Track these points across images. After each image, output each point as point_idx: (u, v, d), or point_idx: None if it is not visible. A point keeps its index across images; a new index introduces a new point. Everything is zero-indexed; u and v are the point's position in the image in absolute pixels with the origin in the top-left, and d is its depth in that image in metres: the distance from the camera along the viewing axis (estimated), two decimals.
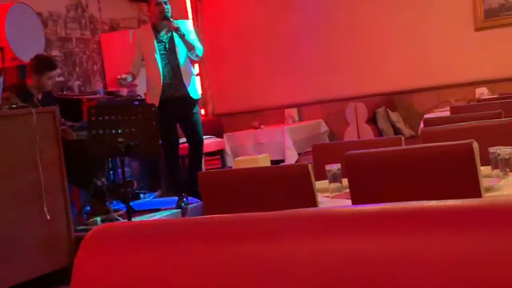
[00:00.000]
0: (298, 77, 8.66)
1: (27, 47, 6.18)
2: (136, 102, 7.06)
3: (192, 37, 6.26)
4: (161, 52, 6.22)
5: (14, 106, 4.62)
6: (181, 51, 6.22)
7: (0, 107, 4.49)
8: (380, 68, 8.21)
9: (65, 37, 7.47)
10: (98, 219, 5.75)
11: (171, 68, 6.23)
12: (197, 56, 6.28)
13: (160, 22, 6.18)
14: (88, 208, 5.93)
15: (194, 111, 6.38)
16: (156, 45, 6.20)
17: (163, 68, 6.21)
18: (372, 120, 7.74)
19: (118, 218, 5.82)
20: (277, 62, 8.78)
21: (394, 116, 7.87)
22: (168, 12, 6.11)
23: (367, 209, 0.97)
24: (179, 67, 6.22)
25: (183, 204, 6.33)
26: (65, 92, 7.18)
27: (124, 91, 7.25)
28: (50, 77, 5.57)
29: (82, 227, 5.62)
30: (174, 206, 6.36)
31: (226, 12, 9.09)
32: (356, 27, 8.33)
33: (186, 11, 9.27)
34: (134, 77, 6.31)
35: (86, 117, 5.33)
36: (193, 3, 9.24)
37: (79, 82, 7.56)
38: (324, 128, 8.40)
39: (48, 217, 4.51)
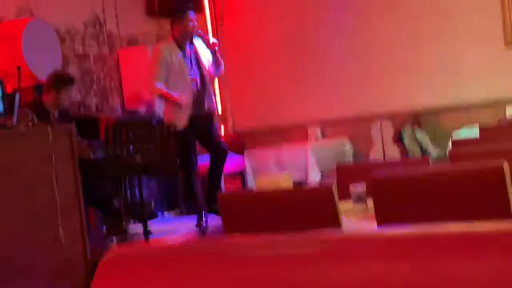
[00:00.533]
0: (321, 94, 8.54)
1: (43, 64, 6.12)
2: (154, 120, 6.96)
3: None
4: (190, 69, 6.22)
5: (30, 124, 4.54)
6: (210, 68, 6.31)
7: (16, 125, 4.40)
8: (406, 85, 8.06)
9: (83, 54, 7.40)
10: (115, 239, 5.67)
11: (197, 85, 6.24)
12: (220, 72, 6.46)
13: (187, 40, 6.21)
14: (104, 228, 5.82)
15: (215, 125, 6.51)
16: (184, 62, 6.19)
17: (192, 85, 6.21)
18: (398, 139, 7.59)
19: (135, 238, 5.71)
20: (299, 78, 8.67)
21: (421, 135, 7.71)
22: (197, 29, 6.27)
23: (392, 232, 0.97)
24: (205, 83, 6.29)
25: (203, 224, 6.18)
26: (82, 110, 7.09)
27: (142, 109, 7.17)
28: (66, 94, 5.53)
29: (98, 249, 5.52)
30: (192, 225, 6.23)
31: (247, 27, 9.00)
32: (382, 42, 8.20)
33: (206, 26, 9.19)
34: None
35: (103, 135, 5.22)
36: (213, 18, 9.16)
37: (96, 100, 7.48)
38: (348, 146, 8.28)
39: (64, 239, 4.41)
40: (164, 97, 6.22)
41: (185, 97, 6.11)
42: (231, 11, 9.09)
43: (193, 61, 6.24)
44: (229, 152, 7.60)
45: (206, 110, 6.27)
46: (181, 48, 6.24)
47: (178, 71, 6.18)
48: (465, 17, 7.80)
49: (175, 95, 6.08)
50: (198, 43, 6.32)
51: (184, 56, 6.22)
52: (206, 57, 6.26)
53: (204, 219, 6.24)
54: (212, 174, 6.44)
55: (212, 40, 6.20)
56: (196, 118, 6.19)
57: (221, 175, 6.52)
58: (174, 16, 6.39)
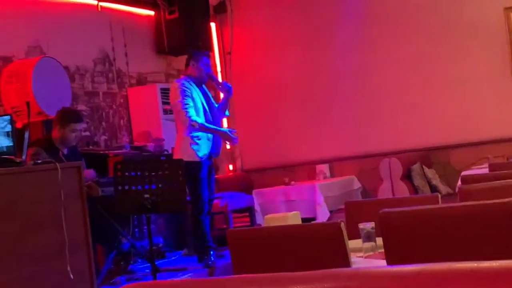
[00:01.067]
0: (329, 132, 8.54)
1: (53, 101, 6.14)
2: (163, 157, 6.96)
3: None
4: (204, 106, 6.25)
5: (39, 161, 4.53)
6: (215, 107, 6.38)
7: (26, 162, 4.39)
8: (415, 123, 8.06)
9: (92, 91, 7.43)
10: (122, 278, 5.62)
11: (212, 122, 6.27)
12: (227, 115, 6.59)
13: (202, 79, 6.32)
14: (112, 267, 5.77)
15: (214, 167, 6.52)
16: (203, 99, 6.25)
17: (207, 121, 6.21)
18: (407, 176, 7.55)
19: (143, 277, 5.66)
20: (307, 116, 8.68)
21: (430, 172, 7.67)
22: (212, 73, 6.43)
23: (403, 270, 0.95)
24: (219, 121, 6.44)
25: (210, 262, 6.13)
26: (91, 147, 7.10)
27: (151, 146, 7.18)
28: (74, 130, 5.53)
29: (106, 286, 5.48)
30: (200, 264, 6.17)
31: (255, 65, 9.05)
32: (390, 81, 8.23)
33: (215, 64, 9.25)
34: None
35: (112, 172, 5.20)
36: (222, 56, 9.22)
37: (105, 137, 7.48)
38: (357, 184, 8.25)
39: (72, 276, 4.36)
40: (208, 131, 6.17)
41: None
42: (239, 55, 9.14)
43: (207, 101, 6.29)
44: (238, 191, 7.64)
45: (220, 148, 6.39)
46: (200, 87, 6.34)
47: (201, 107, 6.20)
48: (474, 57, 7.83)
49: (220, 128, 6.23)
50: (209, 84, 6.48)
51: (202, 94, 6.30)
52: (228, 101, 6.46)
53: (212, 257, 6.18)
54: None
55: (225, 83, 6.34)
56: (213, 154, 6.29)
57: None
58: (193, 56, 6.46)
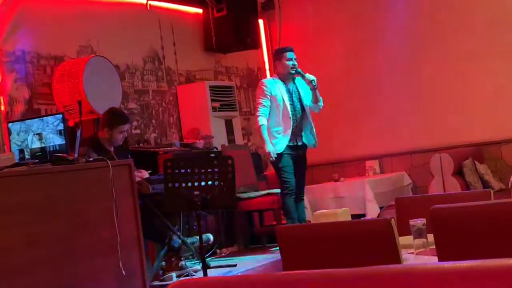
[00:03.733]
0: (378, 127, 8.47)
1: (104, 100, 6.22)
2: (213, 155, 6.99)
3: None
4: (289, 102, 6.59)
5: (91, 159, 4.60)
6: (305, 102, 6.65)
7: (78, 160, 4.45)
8: (467, 117, 7.94)
9: (142, 90, 7.51)
10: (174, 274, 5.67)
11: (297, 118, 6.60)
12: (319, 108, 6.73)
13: (289, 75, 6.61)
14: (163, 263, 5.82)
15: (306, 158, 6.76)
16: (287, 95, 6.58)
17: (292, 117, 6.53)
18: (458, 172, 7.42)
19: (194, 273, 5.69)
20: (356, 112, 8.63)
21: (482, 168, 7.54)
22: (296, 66, 6.61)
23: (455, 266, 0.94)
24: (305, 116, 6.66)
25: None
26: (141, 145, 7.17)
27: (200, 143, 7.21)
28: (120, 131, 5.59)
29: (157, 283, 5.53)
30: (251, 261, 6.21)
31: (303, 61, 8.96)
32: (439, 74, 8.13)
33: (264, 61, 9.26)
34: None
35: (162, 169, 5.25)
36: (270, 53, 9.22)
37: (155, 134, 7.55)
38: (407, 180, 8.16)
39: (124, 272, 4.41)
40: (261, 135, 6.55)
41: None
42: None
43: (294, 96, 6.61)
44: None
45: (304, 141, 6.63)
46: (284, 83, 6.62)
47: (281, 103, 6.53)
48: None
49: (269, 146, 6.44)
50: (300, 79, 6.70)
51: (287, 91, 6.59)
52: (307, 93, 6.63)
53: None
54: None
55: (310, 77, 6.50)
56: (294, 147, 6.54)
57: (301, 205, 6.75)
58: (274, 55, 6.91)
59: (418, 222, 3.00)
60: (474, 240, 2.48)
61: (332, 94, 8.81)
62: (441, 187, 7.35)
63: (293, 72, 6.58)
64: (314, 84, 6.51)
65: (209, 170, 4.93)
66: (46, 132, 4.74)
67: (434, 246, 2.60)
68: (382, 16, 8.47)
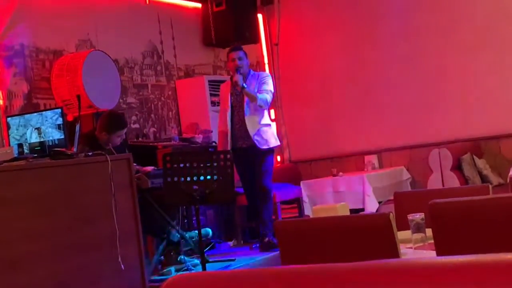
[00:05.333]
0: (377, 122, 8.47)
1: (103, 94, 6.23)
2: (211, 149, 6.99)
3: (263, 88, 6.50)
4: (233, 104, 6.56)
5: (90, 154, 4.60)
6: (248, 104, 6.49)
7: (77, 154, 4.46)
8: (465, 112, 7.94)
9: (141, 84, 7.51)
10: (172, 269, 5.68)
11: (238, 120, 6.52)
12: (260, 106, 6.47)
13: (233, 74, 6.52)
14: (162, 257, 5.82)
15: (264, 160, 6.52)
16: (229, 97, 6.55)
17: (232, 119, 6.52)
18: (457, 167, 7.43)
19: (193, 268, 5.70)
20: (355, 107, 8.62)
21: (480, 163, 7.54)
22: (240, 67, 6.44)
23: (453, 261, 0.94)
24: (244, 118, 6.50)
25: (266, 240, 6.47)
26: (140, 139, 7.17)
27: (199, 138, 7.22)
28: (120, 135, 5.60)
29: (156, 277, 5.53)
30: (249, 256, 6.23)
31: (302, 56, 9.01)
32: (439, 71, 8.12)
33: (262, 56, 9.25)
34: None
35: (161, 164, 5.25)
36: (269, 48, 9.22)
37: (154, 129, 7.56)
38: (406, 175, 8.16)
39: (123, 266, 4.42)
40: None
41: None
42: (286, 46, 9.12)
43: (238, 98, 6.54)
44: (286, 182, 7.64)
45: (250, 144, 6.45)
46: (232, 84, 6.53)
47: (224, 105, 6.61)
48: None
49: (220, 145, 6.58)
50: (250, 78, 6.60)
51: (231, 92, 6.57)
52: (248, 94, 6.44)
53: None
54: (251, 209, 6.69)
55: (234, 78, 6.36)
56: (239, 149, 6.44)
57: (265, 209, 6.53)
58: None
59: (417, 217, 3.00)
60: (473, 234, 2.48)
61: (331, 88, 8.82)
62: (440, 181, 7.35)
63: (234, 72, 6.45)
64: (238, 85, 6.33)
65: (208, 164, 4.93)
66: (45, 127, 4.75)
67: (432, 241, 2.61)
68: (381, 11, 8.46)
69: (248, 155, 6.46)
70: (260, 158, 6.49)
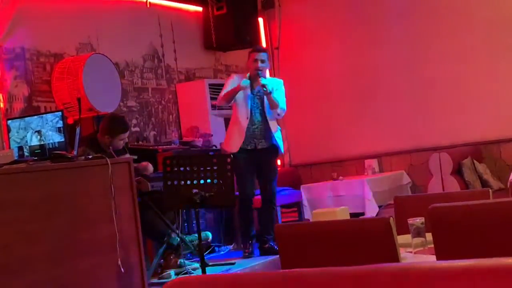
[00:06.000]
0: (378, 126, 8.46)
1: (103, 97, 6.23)
2: (212, 153, 6.99)
3: (279, 95, 6.43)
4: (253, 103, 6.43)
5: (90, 156, 4.59)
6: (268, 107, 6.41)
7: (77, 157, 4.45)
8: (466, 117, 7.93)
9: (141, 87, 7.50)
10: (172, 272, 5.68)
11: (258, 120, 6.42)
12: (278, 115, 6.47)
13: (255, 76, 6.38)
14: (161, 261, 5.82)
15: (275, 164, 6.58)
16: (249, 95, 6.42)
17: (251, 118, 6.40)
18: (457, 171, 7.41)
19: (192, 271, 5.69)
20: (355, 111, 8.62)
21: (481, 167, 7.53)
22: (262, 69, 6.37)
23: (453, 265, 0.94)
24: (266, 120, 6.42)
25: (247, 251, 6.44)
26: (140, 142, 7.16)
27: (199, 141, 7.21)
28: (122, 139, 5.59)
29: (155, 280, 5.53)
30: (249, 260, 6.23)
31: (303, 59, 9.01)
32: (440, 76, 8.11)
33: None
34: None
35: (161, 167, 5.25)
36: (270, 52, 9.21)
37: (154, 132, 7.55)
38: (406, 179, 8.16)
39: (123, 270, 4.42)
40: (228, 95, 6.42)
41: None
42: (287, 50, 9.12)
43: (260, 98, 6.43)
44: (286, 186, 7.64)
45: (267, 146, 6.42)
46: (251, 83, 6.43)
47: (241, 102, 6.42)
48: None
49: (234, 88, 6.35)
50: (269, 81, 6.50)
51: (252, 90, 6.42)
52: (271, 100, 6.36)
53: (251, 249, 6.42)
54: (263, 212, 6.58)
55: (262, 81, 6.24)
56: (253, 150, 6.37)
57: (268, 216, 6.53)
58: (249, 51, 6.65)
59: (417, 221, 3.00)
60: (473, 239, 2.48)
61: (331, 93, 8.82)
62: (440, 186, 7.34)
63: (256, 73, 6.33)
64: (265, 89, 6.23)
65: (208, 168, 4.93)
66: (45, 130, 4.75)
67: (432, 245, 2.60)
68: (382, 15, 8.46)
69: (261, 157, 6.43)
70: (274, 161, 6.59)
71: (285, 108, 6.46)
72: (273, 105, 6.32)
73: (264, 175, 6.49)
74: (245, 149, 6.35)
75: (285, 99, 6.52)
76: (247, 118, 6.36)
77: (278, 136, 6.51)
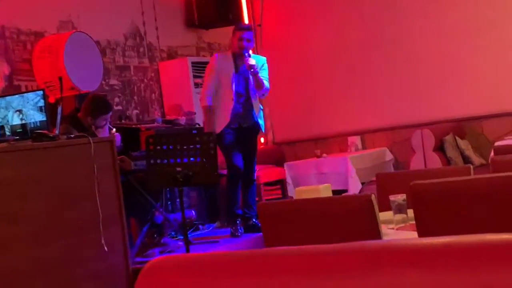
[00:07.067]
0: (361, 103, 8.48)
1: (85, 76, 6.18)
2: (195, 131, 6.97)
3: (263, 75, 6.34)
4: (237, 83, 6.30)
5: (72, 136, 4.57)
6: (253, 84, 6.32)
7: (59, 136, 4.42)
8: (448, 93, 7.96)
9: (123, 66, 7.46)
10: (156, 251, 5.66)
11: (243, 100, 6.33)
12: (263, 95, 6.40)
13: (239, 55, 6.25)
14: (145, 239, 5.82)
15: (257, 143, 6.55)
16: (234, 74, 6.28)
17: (236, 97, 6.29)
18: (439, 148, 7.45)
19: (176, 250, 5.70)
20: (339, 88, 8.63)
21: (463, 143, 7.58)
22: (247, 48, 6.22)
23: (434, 242, 0.94)
24: (251, 99, 6.34)
25: (237, 233, 6.34)
26: (123, 121, 7.13)
27: (182, 120, 7.19)
28: (105, 119, 5.56)
29: (139, 259, 5.53)
30: (233, 238, 6.24)
31: (286, 37, 8.99)
32: (422, 52, 8.12)
33: None
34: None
35: (144, 146, 5.23)
36: (252, 29, 9.16)
37: (137, 111, 7.52)
38: (388, 156, 8.19)
39: (106, 249, 4.41)
40: (204, 114, 6.40)
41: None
42: (270, 27, 9.08)
43: (244, 77, 6.31)
44: (269, 164, 7.64)
45: (251, 124, 6.37)
46: (236, 62, 6.32)
47: (226, 82, 6.27)
48: (506, 26, 7.70)
49: (211, 123, 6.22)
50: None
51: (236, 69, 6.29)
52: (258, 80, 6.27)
53: (239, 228, 6.34)
54: (245, 190, 6.54)
55: (251, 62, 6.13)
56: (239, 129, 6.31)
57: (249, 194, 6.51)
58: (234, 28, 6.50)
59: (399, 198, 3.02)
60: (454, 215, 2.50)
61: (314, 70, 8.82)
62: (422, 162, 7.38)
63: (241, 53, 6.19)
64: (253, 70, 6.14)
65: (191, 146, 4.92)
66: (27, 109, 4.71)
67: (414, 222, 2.62)
68: None
69: (246, 135, 6.39)
70: (256, 140, 6.55)
71: (269, 87, 6.40)
72: (259, 85, 6.25)
73: (246, 153, 6.44)
74: (231, 127, 6.30)
75: (268, 77, 6.46)
76: (232, 99, 6.25)
77: (261, 113, 6.49)
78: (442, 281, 0.86)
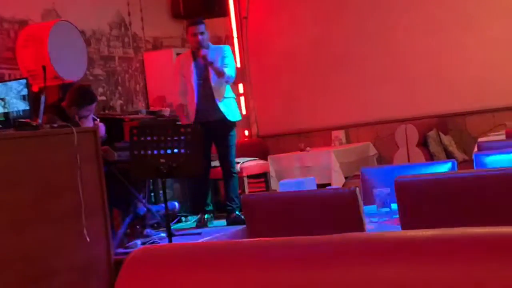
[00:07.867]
0: (345, 98, 8.50)
1: (69, 65, 6.15)
2: (179, 122, 6.95)
3: (227, 62, 6.38)
4: (198, 77, 6.39)
5: (55, 125, 4.54)
6: (214, 76, 6.36)
7: (42, 126, 4.40)
8: (432, 89, 8.00)
9: (108, 56, 7.41)
10: (138, 242, 5.65)
11: (205, 93, 6.38)
12: (226, 82, 6.41)
13: (197, 49, 6.35)
14: (128, 230, 5.81)
15: (230, 134, 6.48)
16: (194, 71, 6.38)
17: (198, 93, 6.37)
18: (423, 143, 7.49)
19: (159, 241, 5.69)
20: (323, 82, 8.63)
21: (446, 139, 7.62)
22: (202, 41, 6.31)
23: (417, 235, 0.95)
24: (212, 91, 6.36)
25: (203, 221, 6.49)
26: (107, 111, 7.10)
27: (166, 111, 7.17)
28: (89, 110, 5.53)
29: (121, 250, 5.51)
30: (215, 229, 6.25)
31: (271, 30, 8.98)
32: (406, 48, 8.15)
33: (231, 29, 9.18)
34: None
35: (128, 137, 5.21)
36: (238, 22, 9.15)
37: (121, 101, 7.49)
38: (372, 151, 8.22)
39: (88, 239, 4.39)
40: (177, 112, 6.65)
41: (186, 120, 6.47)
42: (255, 19, 9.07)
43: (203, 71, 6.38)
44: (253, 157, 7.64)
45: (218, 117, 6.36)
46: (195, 58, 6.41)
47: (187, 80, 6.41)
48: (491, 23, 7.74)
49: (183, 118, 6.43)
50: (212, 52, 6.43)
51: (195, 65, 6.39)
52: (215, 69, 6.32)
53: (206, 216, 6.51)
54: (225, 183, 6.60)
55: (202, 53, 6.20)
56: (206, 124, 6.24)
57: (232, 184, 6.54)
58: (186, 26, 6.64)
59: (382, 192, 3.04)
60: (437, 210, 2.51)
61: (299, 63, 8.82)
62: (406, 157, 7.42)
63: (196, 47, 6.31)
64: (207, 60, 6.21)
65: (176, 138, 4.91)
66: (10, 97, 4.68)
67: (397, 216, 2.64)
68: None
69: (216, 129, 6.39)
70: (228, 132, 6.46)
71: (234, 74, 6.42)
72: (219, 74, 6.28)
73: (219, 146, 6.47)
74: (200, 123, 6.25)
75: (234, 64, 6.51)
76: (195, 95, 6.34)
77: (229, 103, 6.46)
78: (425, 273, 0.86)
